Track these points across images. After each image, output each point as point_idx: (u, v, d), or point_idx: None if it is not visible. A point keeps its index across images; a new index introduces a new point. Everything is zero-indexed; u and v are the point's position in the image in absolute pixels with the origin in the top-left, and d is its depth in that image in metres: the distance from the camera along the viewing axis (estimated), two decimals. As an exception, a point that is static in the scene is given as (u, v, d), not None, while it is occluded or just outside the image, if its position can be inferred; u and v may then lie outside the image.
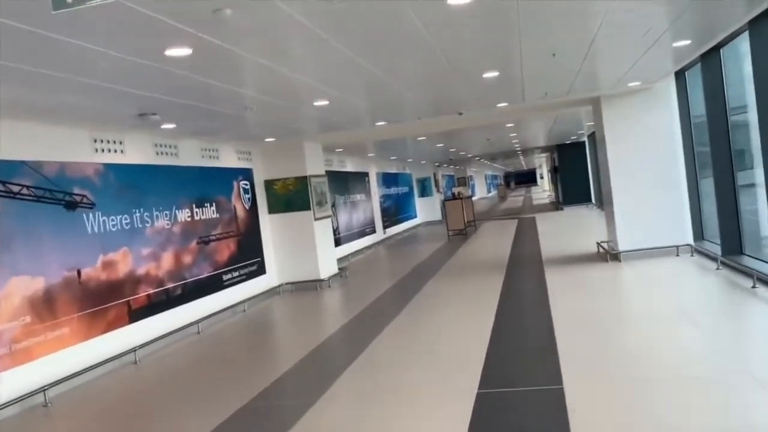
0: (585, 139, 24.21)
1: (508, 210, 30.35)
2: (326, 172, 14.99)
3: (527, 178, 73.88)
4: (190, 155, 9.16)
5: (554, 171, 28.97)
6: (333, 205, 15.16)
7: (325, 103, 7.10)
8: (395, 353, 6.29)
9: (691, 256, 9.56)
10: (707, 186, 10.36)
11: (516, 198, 45.28)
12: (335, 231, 15.05)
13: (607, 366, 4.98)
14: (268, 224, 11.38)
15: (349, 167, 17.04)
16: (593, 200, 24.37)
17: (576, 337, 5.94)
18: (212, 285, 9.28)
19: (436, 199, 27.12)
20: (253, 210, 10.89)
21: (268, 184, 11.39)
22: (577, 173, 24.79)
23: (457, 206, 18.09)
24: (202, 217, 9.20)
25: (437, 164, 29.29)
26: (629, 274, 8.95)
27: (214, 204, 9.55)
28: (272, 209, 11.41)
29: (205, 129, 8.59)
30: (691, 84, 10.11)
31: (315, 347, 6.91)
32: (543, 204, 31.46)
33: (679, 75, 10.00)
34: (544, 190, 51.86)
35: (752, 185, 9.16)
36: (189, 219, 8.86)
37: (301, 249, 11.35)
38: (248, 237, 10.56)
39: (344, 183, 16.39)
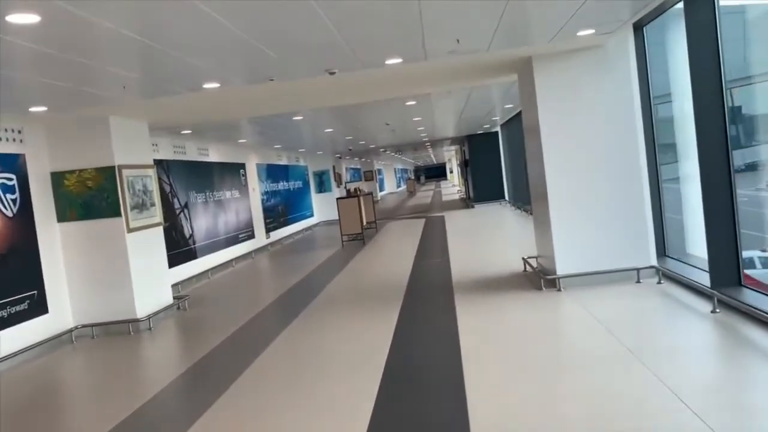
0: (498, 128, 21.75)
1: (415, 207, 27.58)
2: (178, 162, 11.41)
3: (437, 173, 72.48)
4: None
5: (464, 165, 26.44)
6: (185, 206, 11.57)
7: (32, 20, 3.62)
8: None
9: (659, 283, 6.81)
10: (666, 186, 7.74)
11: (425, 193, 42.83)
12: (188, 239, 11.48)
13: None
14: (57, 238, 7.70)
15: (215, 157, 13.45)
16: (507, 197, 21.97)
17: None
18: None
19: (337, 195, 23.88)
20: (25, 217, 7.18)
21: (57, 179, 7.70)
22: (490, 167, 22.25)
23: (352, 206, 14.90)
24: None
25: (338, 155, 26.04)
26: (582, 319, 6.00)
27: (-72, 211, 5.83)
28: (64, 216, 7.74)
29: None
30: (654, 44, 7.40)
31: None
32: (452, 200, 28.94)
33: (636, 31, 7.25)
34: (453, 184, 49.86)
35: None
36: None
37: (107, 274, 7.75)
38: (13, 259, 6.87)
39: (205, 176, 12.79)
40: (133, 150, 8.13)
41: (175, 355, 6.80)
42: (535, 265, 8.28)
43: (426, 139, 22.70)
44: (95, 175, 7.69)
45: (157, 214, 8.57)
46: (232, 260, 13.26)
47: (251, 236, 15.10)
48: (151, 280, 8.16)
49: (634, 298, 6.45)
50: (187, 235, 11.51)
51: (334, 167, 24.19)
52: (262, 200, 16.61)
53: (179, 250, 11.04)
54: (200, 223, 12.18)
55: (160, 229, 8.68)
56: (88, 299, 7.75)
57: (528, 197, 17.62)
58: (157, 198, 8.61)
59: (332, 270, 11.07)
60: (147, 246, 8.18)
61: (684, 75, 7.15)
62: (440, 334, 5.98)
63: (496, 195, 22.11)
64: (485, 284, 8.01)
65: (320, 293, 8.87)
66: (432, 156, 48.48)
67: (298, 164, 21.37)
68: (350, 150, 23.01)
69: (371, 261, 11.91)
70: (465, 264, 9.78)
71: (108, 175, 7.68)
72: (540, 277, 7.34)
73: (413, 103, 10.46)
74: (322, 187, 23.17)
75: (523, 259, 8.57)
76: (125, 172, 7.82)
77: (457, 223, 17.23)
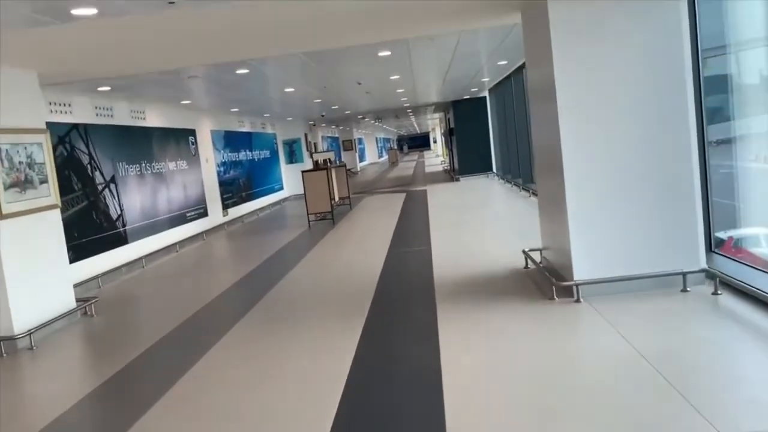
0: (486, 93, 19.80)
1: (396, 179, 25.62)
2: (102, 126, 9.33)
3: (420, 143, 70.60)
4: None
5: (449, 134, 24.46)
6: (111, 181, 9.53)
7: None
8: None
9: (715, 293, 4.99)
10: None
11: (408, 163, 40.82)
12: (115, 221, 9.49)
13: None
14: None
15: (154, 121, 11.35)
16: (495, 169, 20.14)
17: None
18: None
19: (309, 166, 21.83)
20: None
21: None
22: (476, 137, 20.31)
23: (320, 180, 12.90)
24: None
25: (312, 123, 23.88)
26: (620, 356, 4.12)
27: None
28: None
29: None
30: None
31: None
32: (436, 172, 27.03)
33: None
34: (437, 155, 47.91)
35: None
36: None
37: (-30, 276, 5.78)
38: None
39: (140, 145, 10.71)
40: (9, 109, 6.06)
41: (48, 392, 4.88)
42: (538, 259, 6.46)
43: (407, 104, 20.67)
44: (-50, 141, 5.66)
45: (51, 193, 6.55)
46: (176, 243, 11.28)
47: (203, 214, 13.11)
48: (37, 282, 6.17)
49: (688, 318, 4.63)
50: (114, 216, 9.49)
51: (306, 135, 22.08)
52: (219, 172, 14.56)
53: (102, 234, 9.04)
54: (133, 200, 10.15)
55: (56, 214, 6.67)
56: (-55, 309, 5.77)
57: (520, 170, 15.85)
58: (51, 173, 6.57)
59: (289, 259, 9.16)
60: (32, 236, 6.18)
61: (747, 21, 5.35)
62: (415, 376, 4.12)
63: (483, 167, 20.25)
64: (477, 287, 6.15)
65: (267, 294, 6.98)
66: (415, 125, 46.47)
67: (264, 132, 19.25)
68: (323, 116, 20.91)
69: (338, 248, 10.00)
70: (450, 255, 7.91)
71: (-32, 142, 5.65)
72: (551, 282, 5.50)
73: (387, 53, 8.43)
74: (293, 157, 21.09)
75: (524, 252, 6.72)
76: (-6, 139, 5.79)
77: (440, 199, 15.35)
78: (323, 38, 6.49)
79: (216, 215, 13.83)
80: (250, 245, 11.61)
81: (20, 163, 6.12)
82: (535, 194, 12.83)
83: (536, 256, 6.53)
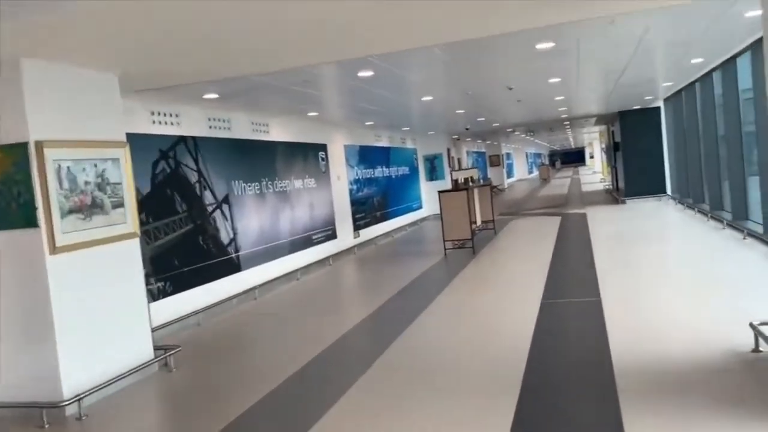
0: (660, 103, 16.92)
1: (549, 199, 23.06)
2: (215, 140, 8.33)
3: (575, 158, 66.40)
4: None
5: (613, 149, 21.50)
6: (223, 201, 8.48)
7: None
8: None
9: None
10: None
11: (561, 180, 37.65)
12: (227, 246, 8.42)
13: None
14: (-52, 259, 4.77)
15: (278, 135, 10.28)
16: (669, 191, 17.12)
17: None
18: None
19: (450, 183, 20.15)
20: None
21: (-52, 164, 4.75)
22: (647, 153, 17.38)
23: (458, 203, 11.14)
24: None
25: (455, 137, 22.19)
26: None
27: None
28: (-42, 223, 4.79)
29: None
30: None
31: None
32: (595, 192, 24.07)
33: None
34: (594, 171, 44.03)
35: None
36: None
37: (18, 322, 4.71)
38: None
39: (261, 161, 9.64)
40: (76, 116, 5.00)
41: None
42: (781, 342, 4.21)
43: (565, 115, 18.28)
44: (2, 157, 4.66)
45: (127, 219, 5.42)
46: (297, 270, 10.06)
47: (331, 236, 11.86)
48: (102, 330, 5.02)
49: None
50: (225, 241, 8.42)
51: (449, 150, 20.42)
52: (351, 190, 13.31)
53: (208, 262, 7.97)
54: (249, 222, 9.05)
55: (134, 244, 5.53)
56: (-9, 360, 4.77)
57: (707, 194, 12.98)
58: (129, 195, 5.46)
59: (418, 301, 7.44)
60: (98, 273, 5.05)
61: None
62: None
63: (654, 188, 17.29)
64: (684, 384, 4.03)
65: (386, 351, 5.36)
66: (570, 139, 43.11)
67: (404, 147, 17.88)
68: (467, 129, 19.13)
69: (476, 290, 8.14)
70: (631, 317, 5.76)
71: (20, 157, 4.61)
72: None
73: (549, 45, 6.47)
74: (434, 174, 19.49)
75: (752, 326, 4.47)
76: (51, 153, 4.69)
77: (605, 227, 12.89)
78: (468, 22, 4.74)
79: (345, 237, 12.55)
80: (378, 275, 10.13)
81: (86, 183, 5.03)
82: (731, 226, 10.12)
83: (773, 333, 4.28)
